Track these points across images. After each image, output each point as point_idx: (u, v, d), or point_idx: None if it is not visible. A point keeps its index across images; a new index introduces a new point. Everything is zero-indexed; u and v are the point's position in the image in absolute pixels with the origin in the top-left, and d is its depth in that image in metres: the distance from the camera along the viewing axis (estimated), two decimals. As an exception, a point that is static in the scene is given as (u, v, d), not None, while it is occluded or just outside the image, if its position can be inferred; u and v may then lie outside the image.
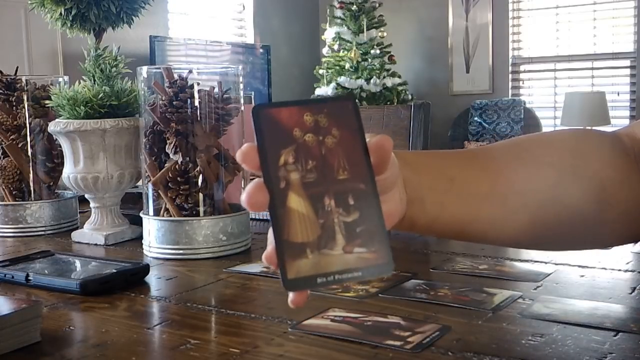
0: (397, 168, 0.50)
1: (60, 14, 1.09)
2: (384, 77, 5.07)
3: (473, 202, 0.59)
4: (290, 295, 0.43)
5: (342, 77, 5.04)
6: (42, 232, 1.21)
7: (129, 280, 0.84)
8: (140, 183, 1.10)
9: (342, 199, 0.42)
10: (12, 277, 0.86)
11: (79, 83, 1.11)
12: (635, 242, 0.68)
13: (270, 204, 0.42)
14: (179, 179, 1.00)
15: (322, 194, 0.42)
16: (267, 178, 0.42)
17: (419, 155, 0.62)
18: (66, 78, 1.23)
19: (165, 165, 1.01)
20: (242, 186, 1.07)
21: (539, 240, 0.65)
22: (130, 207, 1.23)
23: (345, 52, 5.11)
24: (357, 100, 4.89)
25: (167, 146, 1.01)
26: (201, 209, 1.01)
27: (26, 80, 1.25)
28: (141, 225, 1.05)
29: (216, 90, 1.02)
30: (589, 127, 4.77)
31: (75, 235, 1.14)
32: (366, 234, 0.42)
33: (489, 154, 0.64)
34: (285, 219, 0.42)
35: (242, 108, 1.07)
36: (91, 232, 1.12)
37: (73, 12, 1.08)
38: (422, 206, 0.56)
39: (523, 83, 5.49)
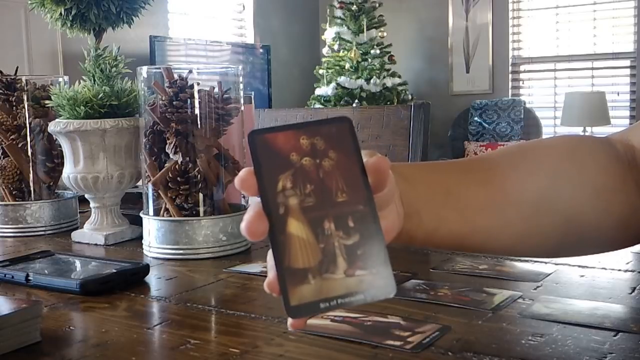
0: (394, 183, 0.50)
1: (60, 14, 1.09)
2: (384, 77, 5.07)
3: (469, 214, 0.59)
4: (290, 319, 0.42)
5: (342, 77, 5.04)
6: (42, 232, 1.21)
7: (129, 280, 0.84)
8: (140, 183, 1.10)
9: (341, 222, 0.42)
10: (12, 277, 0.86)
11: (79, 83, 1.11)
12: (633, 245, 0.68)
13: (270, 230, 0.42)
14: (179, 179, 1.00)
15: (321, 218, 0.42)
16: (266, 204, 0.42)
17: (414, 168, 0.62)
18: (66, 78, 1.23)
19: (165, 165, 1.01)
20: (242, 186, 1.07)
21: (536, 249, 0.65)
22: (130, 207, 1.23)
23: (345, 52, 5.12)
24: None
25: (167, 146, 1.01)
26: (201, 209, 1.01)
27: (26, 80, 1.25)
28: (141, 225, 1.05)
29: (216, 90, 1.02)
30: (584, 133, 4.76)
31: (75, 235, 1.14)
32: (367, 256, 0.42)
33: (484, 165, 0.64)
34: (286, 245, 0.41)
35: (242, 108, 1.07)
36: (91, 232, 1.12)
37: (73, 12, 1.08)
38: (419, 220, 0.56)
39: (523, 83, 5.50)
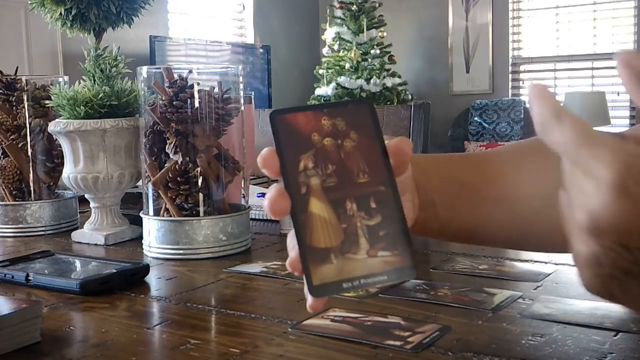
0: (410, 172, 0.50)
1: (60, 14, 1.09)
2: (384, 77, 5.07)
3: (483, 206, 0.59)
4: (310, 300, 0.42)
5: (342, 77, 5.04)
6: (42, 232, 1.21)
7: (129, 280, 0.84)
8: (140, 183, 1.10)
9: (363, 203, 0.42)
10: (12, 277, 0.86)
11: (79, 83, 1.11)
12: None
13: (292, 210, 0.42)
14: (179, 179, 1.00)
15: (343, 198, 0.42)
16: (288, 184, 0.42)
17: (429, 159, 0.62)
18: (66, 78, 1.23)
19: (165, 165, 1.01)
20: (242, 186, 1.07)
21: (547, 243, 0.65)
22: (130, 207, 1.23)
23: (345, 52, 5.12)
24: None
25: (167, 146, 1.01)
26: (201, 209, 1.01)
27: (26, 80, 1.25)
28: (141, 225, 1.05)
29: (216, 90, 1.02)
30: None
31: (75, 235, 1.14)
32: (389, 237, 0.42)
33: (497, 158, 0.65)
34: (308, 224, 0.41)
35: (242, 108, 1.07)
36: (91, 232, 1.12)
37: (73, 12, 1.08)
38: (434, 210, 0.56)
39: (523, 83, 5.50)
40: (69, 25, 1.10)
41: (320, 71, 5.17)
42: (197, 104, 1.00)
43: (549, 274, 0.84)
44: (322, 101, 5.02)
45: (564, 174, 0.39)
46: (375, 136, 0.44)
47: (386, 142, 0.44)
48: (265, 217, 1.26)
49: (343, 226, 0.42)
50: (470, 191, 0.59)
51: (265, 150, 0.43)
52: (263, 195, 1.33)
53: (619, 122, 5.05)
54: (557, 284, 0.81)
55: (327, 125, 0.43)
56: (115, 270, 0.84)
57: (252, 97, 1.25)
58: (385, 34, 5.21)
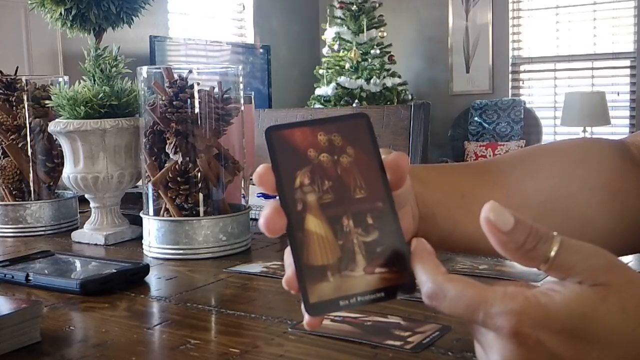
0: (410, 184, 0.49)
1: (60, 14, 1.09)
2: (384, 77, 5.07)
3: None
4: (307, 318, 0.42)
5: (342, 77, 5.04)
6: (42, 232, 1.21)
7: (129, 280, 0.84)
8: (140, 183, 1.10)
9: (360, 219, 0.42)
10: (12, 277, 0.86)
11: (79, 83, 1.11)
12: None
13: (288, 227, 0.41)
14: (179, 179, 1.00)
15: (340, 215, 0.42)
16: (284, 201, 0.42)
17: (429, 170, 0.62)
18: (66, 78, 1.23)
19: (165, 165, 1.01)
20: (242, 186, 1.08)
21: None
22: (130, 207, 1.23)
23: (345, 52, 5.12)
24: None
25: (167, 146, 1.01)
26: (201, 209, 1.01)
27: (26, 80, 1.25)
28: (141, 225, 1.05)
29: (216, 90, 1.02)
30: (584, 133, 4.75)
31: (75, 235, 1.14)
32: (387, 254, 0.41)
33: (498, 167, 0.64)
34: (304, 242, 0.41)
35: (242, 108, 1.07)
36: (91, 232, 1.12)
37: (73, 12, 1.08)
38: (434, 222, 0.56)
39: (523, 83, 5.50)
40: (69, 25, 1.10)
41: (320, 71, 5.17)
42: (197, 104, 1.00)
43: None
44: (322, 101, 5.03)
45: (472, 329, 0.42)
46: (372, 151, 0.43)
47: (383, 157, 0.43)
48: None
49: (340, 243, 0.41)
50: (472, 202, 0.59)
51: (261, 167, 0.43)
52: (263, 195, 1.33)
53: (619, 122, 5.05)
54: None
55: (323, 140, 0.43)
56: (115, 270, 0.84)
57: (252, 97, 1.26)
58: (385, 34, 5.22)
